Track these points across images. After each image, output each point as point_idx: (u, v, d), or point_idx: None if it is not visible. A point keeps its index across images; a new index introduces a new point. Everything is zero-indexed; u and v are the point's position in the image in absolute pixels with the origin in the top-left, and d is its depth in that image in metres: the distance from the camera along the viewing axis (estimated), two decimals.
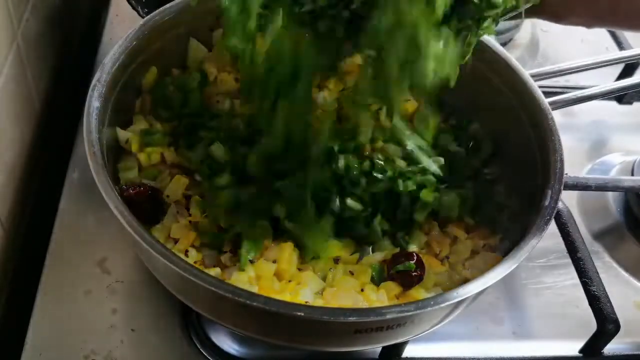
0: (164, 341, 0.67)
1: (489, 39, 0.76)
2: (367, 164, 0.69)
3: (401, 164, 0.71)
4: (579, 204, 0.87)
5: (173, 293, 0.60)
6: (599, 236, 0.85)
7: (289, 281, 0.63)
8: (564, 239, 0.74)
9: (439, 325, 0.60)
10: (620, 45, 1.06)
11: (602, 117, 1.02)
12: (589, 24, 0.58)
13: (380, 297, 0.62)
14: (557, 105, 0.80)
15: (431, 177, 0.70)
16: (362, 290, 0.63)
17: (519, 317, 0.75)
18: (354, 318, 0.51)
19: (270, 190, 0.66)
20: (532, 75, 0.75)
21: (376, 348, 0.68)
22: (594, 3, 0.54)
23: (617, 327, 0.67)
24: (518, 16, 0.57)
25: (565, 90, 0.89)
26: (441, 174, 0.71)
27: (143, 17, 0.73)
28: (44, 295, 0.68)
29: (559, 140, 0.67)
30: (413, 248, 0.68)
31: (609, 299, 0.68)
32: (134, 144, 0.69)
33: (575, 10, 0.54)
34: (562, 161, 0.65)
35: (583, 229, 0.81)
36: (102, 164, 0.58)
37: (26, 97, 0.79)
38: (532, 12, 0.58)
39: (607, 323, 0.67)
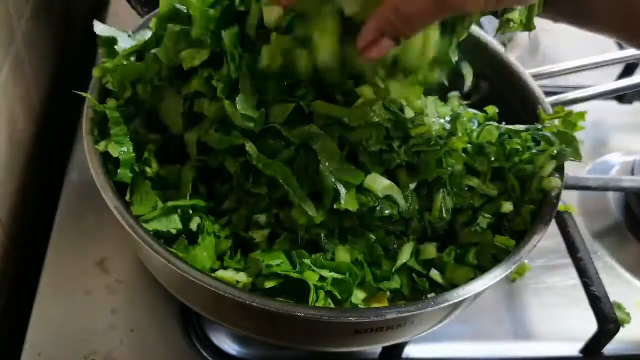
0: (164, 341, 0.67)
1: (489, 39, 0.77)
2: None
3: None
4: (579, 204, 0.87)
5: (173, 293, 0.60)
6: (599, 236, 0.85)
7: None
8: (564, 239, 0.74)
9: (439, 326, 0.60)
10: (620, 45, 1.06)
11: (602, 117, 1.02)
12: (553, 20, 0.60)
13: None
14: (557, 105, 0.80)
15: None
16: None
17: (519, 317, 0.75)
18: (354, 318, 0.51)
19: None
20: (532, 75, 0.75)
21: (376, 348, 0.67)
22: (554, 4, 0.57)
23: (617, 327, 0.67)
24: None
25: (565, 90, 0.89)
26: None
27: (142, 17, 0.73)
28: (43, 295, 0.68)
29: None
30: None
31: (609, 299, 0.68)
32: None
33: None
34: None
35: (583, 229, 0.81)
36: (102, 164, 0.58)
37: (26, 97, 0.79)
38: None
39: (607, 323, 0.67)
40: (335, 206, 0.56)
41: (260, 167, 0.55)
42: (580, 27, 0.59)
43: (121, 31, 0.65)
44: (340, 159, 0.57)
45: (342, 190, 0.56)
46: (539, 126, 0.66)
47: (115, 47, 0.63)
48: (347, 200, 0.56)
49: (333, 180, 0.56)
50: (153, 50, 0.60)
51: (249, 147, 0.56)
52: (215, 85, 0.57)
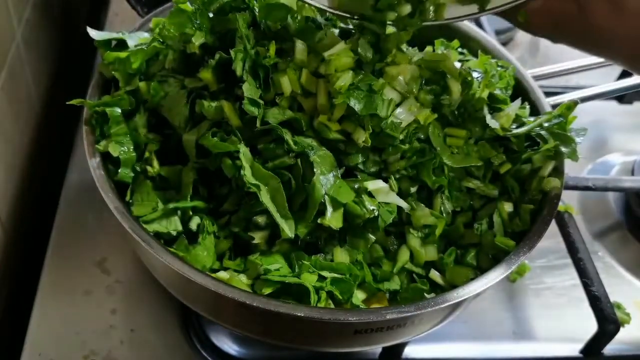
0: (164, 341, 0.67)
1: (490, 39, 0.77)
2: None
3: None
4: (579, 204, 0.87)
5: (173, 293, 0.60)
6: (599, 236, 0.85)
7: None
8: (564, 239, 0.74)
9: (439, 326, 0.60)
10: None
11: (602, 117, 1.02)
12: (553, 41, 0.62)
13: None
14: (557, 105, 0.80)
15: None
16: None
17: (519, 317, 0.75)
18: (354, 318, 0.51)
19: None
20: (532, 75, 0.75)
21: (376, 349, 0.68)
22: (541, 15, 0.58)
23: (617, 327, 0.67)
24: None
25: (565, 90, 0.89)
26: None
27: (142, 17, 0.73)
28: (43, 295, 0.68)
29: None
30: None
31: (609, 299, 0.68)
32: None
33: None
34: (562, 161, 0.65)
35: (583, 229, 0.81)
36: (102, 164, 0.58)
37: (26, 97, 0.79)
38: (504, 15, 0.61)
39: (607, 323, 0.67)
40: (319, 221, 0.55)
41: (245, 179, 0.55)
42: (587, 51, 0.58)
43: (115, 32, 0.65)
44: (336, 174, 0.57)
45: (329, 206, 0.55)
46: (542, 118, 0.66)
47: (128, 42, 0.64)
48: (332, 218, 0.55)
49: (323, 193, 0.55)
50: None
51: (243, 153, 0.56)
52: (233, 58, 0.58)
